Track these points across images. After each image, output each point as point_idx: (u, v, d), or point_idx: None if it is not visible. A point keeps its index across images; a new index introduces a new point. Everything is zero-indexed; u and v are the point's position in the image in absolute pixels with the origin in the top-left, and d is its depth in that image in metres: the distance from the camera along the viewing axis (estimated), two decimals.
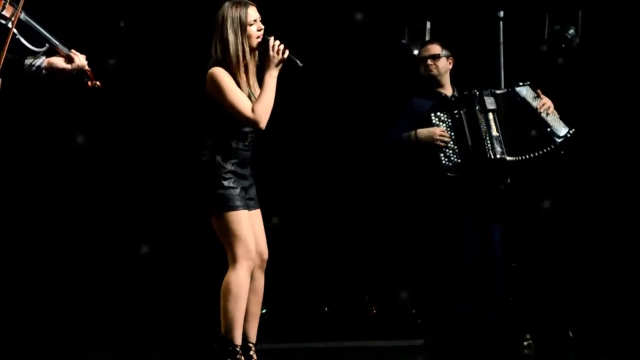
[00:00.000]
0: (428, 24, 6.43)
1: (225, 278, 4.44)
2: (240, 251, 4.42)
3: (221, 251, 4.54)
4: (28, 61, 4.17)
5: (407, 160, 5.73)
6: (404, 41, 6.57)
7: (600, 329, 6.68)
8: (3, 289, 6.84)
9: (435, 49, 5.68)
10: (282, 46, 4.39)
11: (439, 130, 5.46)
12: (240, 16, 4.36)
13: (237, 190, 4.45)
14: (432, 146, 5.45)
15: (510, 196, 5.63)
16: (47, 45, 4.20)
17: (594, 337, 6.60)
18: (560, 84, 6.75)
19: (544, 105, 5.51)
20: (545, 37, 6.36)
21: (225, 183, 4.42)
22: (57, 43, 4.23)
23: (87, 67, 4.32)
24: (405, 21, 6.57)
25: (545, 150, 5.41)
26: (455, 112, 5.48)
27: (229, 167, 4.44)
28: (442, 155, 5.46)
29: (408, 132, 5.52)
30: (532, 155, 5.41)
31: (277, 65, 4.40)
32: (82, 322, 6.88)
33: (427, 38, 6.37)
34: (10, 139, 6.75)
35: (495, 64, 5.82)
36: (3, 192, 6.80)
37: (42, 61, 4.18)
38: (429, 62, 5.65)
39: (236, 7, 4.38)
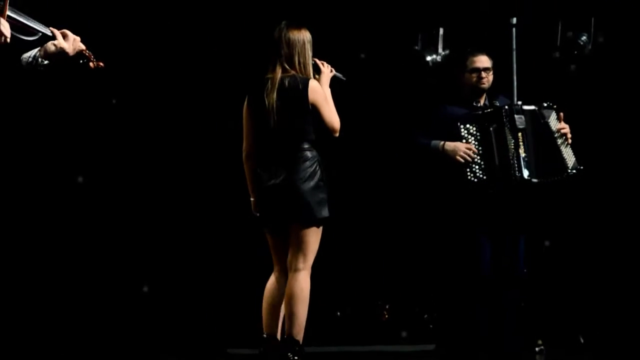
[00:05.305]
0: (441, 31, 6.44)
1: (298, 284, 4.75)
2: (311, 260, 4.80)
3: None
4: (24, 58, 4.10)
5: (429, 168, 5.71)
6: (417, 47, 6.58)
7: (611, 335, 6.69)
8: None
9: (488, 61, 5.53)
10: (328, 65, 4.97)
11: (463, 146, 5.35)
12: (311, 40, 4.91)
13: None
14: (455, 161, 5.38)
15: (533, 210, 5.59)
16: (37, 34, 4.11)
17: (604, 343, 6.61)
18: (572, 91, 6.77)
19: (564, 135, 5.47)
20: (558, 43, 6.36)
21: (327, 192, 4.84)
22: (44, 28, 4.12)
23: (83, 47, 4.22)
24: (418, 27, 6.59)
25: (556, 178, 5.40)
26: (484, 127, 5.41)
27: (324, 175, 4.84)
28: (467, 170, 5.38)
29: (437, 141, 5.43)
30: (554, 179, 5.39)
31: (329, 80, 4.95)
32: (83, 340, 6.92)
33: (440, 45, 6.38)
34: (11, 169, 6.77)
35: (507, 71, 5.82)
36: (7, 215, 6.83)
37: (36, 51, 4.10)
38: (483, 74, 5.53)
39: (308, 32, 4.91)
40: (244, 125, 4.93)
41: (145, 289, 7.14)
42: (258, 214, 4.92)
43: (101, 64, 4.28)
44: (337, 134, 4.89)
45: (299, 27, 4.89)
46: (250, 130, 4.92)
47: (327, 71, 4.96)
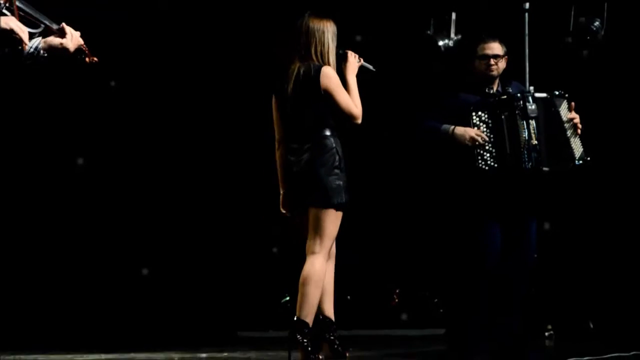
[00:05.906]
0: (453, 15, 6.42)
1: (310, 267, 4.79)
2: (328, 245, 4.83)
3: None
4: (26, 48, 4.09)
5: (439, 154, 5.72)
6: (429, 32, 6.57)
7: (621, 321, 6.70)
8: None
9: (499, 48, 5.51)
10: (356, 55, 5.02)
11: (473, 131, 5.34)
12: (335, 31, 4.97)
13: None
14: (464, 146, 5.37)
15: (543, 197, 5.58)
16: (41, 26, 4.15)
17: (614, 328, 6.63)
18: (584, 76, 6.76)
19: (574, 124, 5.44)
20: (571, 29, 6.34)
21: (344, 179, 4.86)
22: (49, 21, 4.18)
23: (82, 43, 4.29)
24: (431, 12, 6.58)
25: (563, 168, 5.40)
26: (496, 115, 5.39)
27: (342, 162, 4.87)
28: (479, 157, 5.38)
29: (447, 125, 5.42)
30: (561, 168, 5.39)
31: (356, 70, 5.00)
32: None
33: (453, 30, 6.35)
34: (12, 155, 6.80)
35: (520, 56, 5.80)
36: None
37: (38, 42, 4.13)
38: (492, 61, 5.49)
39: (333, 23, 4.97)
40: (274, 115, 5.01)
41: (155, 272, 7.17)
42: (286, 212, 4.99)
43: (95, 59, 4.39)
44: (358, 121, 4.92)
45: (321, 17, 4.95)
46: (277, 119, 5.01)
47: (354, 61, 5.01)
